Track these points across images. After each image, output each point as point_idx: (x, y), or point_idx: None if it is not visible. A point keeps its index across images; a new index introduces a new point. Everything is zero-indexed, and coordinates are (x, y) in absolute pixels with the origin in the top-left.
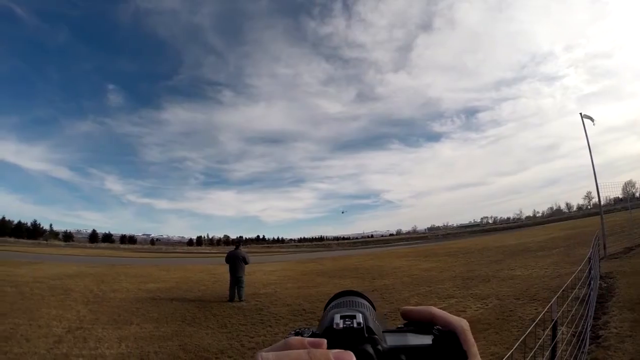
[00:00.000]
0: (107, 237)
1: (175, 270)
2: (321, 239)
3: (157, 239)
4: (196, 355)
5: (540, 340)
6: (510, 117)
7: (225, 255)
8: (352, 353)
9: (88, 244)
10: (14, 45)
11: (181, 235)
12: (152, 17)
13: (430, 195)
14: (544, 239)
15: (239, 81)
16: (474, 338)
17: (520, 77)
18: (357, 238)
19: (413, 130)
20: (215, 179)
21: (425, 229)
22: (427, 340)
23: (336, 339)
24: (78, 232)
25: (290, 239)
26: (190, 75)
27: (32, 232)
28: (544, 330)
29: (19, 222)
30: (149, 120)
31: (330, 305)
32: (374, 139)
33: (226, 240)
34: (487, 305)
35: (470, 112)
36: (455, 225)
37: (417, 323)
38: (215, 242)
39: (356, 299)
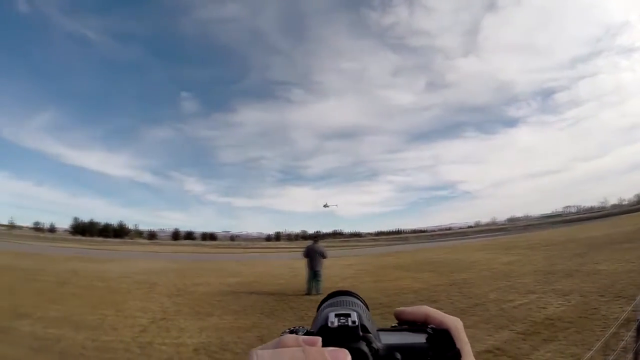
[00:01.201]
0: (189, 235)
1: (254, 265)
2: (398, 232)
3: (236, 236)
4: None
5: (623, 342)
6: (588, 96)
7: (303, 249)
8: (347, 351)
9: (171, 242)
10: (92, 64)
11: (260, 231)
12: (215, 25)
13: (509, 184)
14: (631, 229)
15: (307, 79)
16: (558, 336)
17: (596, 52)
18: (434, 231)
19: (488, 116)
20: (291, 176)
21: (504, 220)
22: (421, 339)
23: (331, 337)
24: (161, 231)
25: (368, 233)
26: (259, 77)
27: (119, 232)
28: (628, 330)
29: (107, 224)
30: (223, 123)
31: (325, 304)
32: (448, 128)
33: (303, 235)
34: (569, 302)
35: (546, 94)
36: (536, 215)
37: (411, 323)
38: (293, 237)
39: (350, 298)
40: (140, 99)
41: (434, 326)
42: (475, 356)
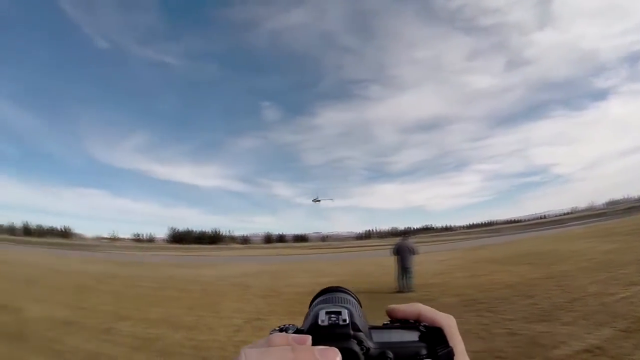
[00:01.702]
0: (281, 238)
1: (345, 264)
2: (490, 223)
3: (327, 236)
4: None
5: None
6: None
7: (392, 247)
8: (337, 350)
9: (264, 245)
10: (174, 86)
11: (350, 231)
12: (285, 34)
13: (605, 164)
14: None
15: (382, 74)
16: None
17: None
18: (528, 220)
19: (574, 91)
20: (378, 173)
21: (603, 204)
22: (413, 336)
23: (321, 335)
24: (254, 235)
25: (459, 226)
26: (334, 79)
27: (214, 238)
28: None
29: (202, 231)
30: (304, 127)
31: (316, 301)
32: (532, 108)
33: (394, 232)
34: None
35: (634, 59)
36: (637, 196)
37: (403, 320)
38: (383, 234)
39: (342, 295)
40: (223, 112)
41: (426, 324)
42: (573, 356)
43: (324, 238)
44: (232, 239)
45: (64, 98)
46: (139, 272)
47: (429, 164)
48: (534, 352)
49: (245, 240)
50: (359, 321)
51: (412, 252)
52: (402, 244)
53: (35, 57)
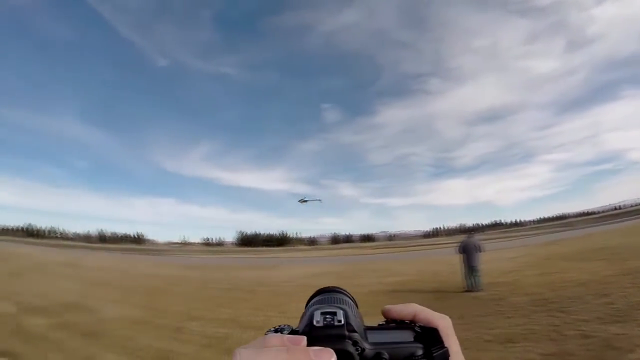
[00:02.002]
0: (348, 238)
1: (412, 263)
2: (561, 217)
3: (394, 235)
4: None
5: None
6: None
7: (457, 245)
8: (332, 351)
9: (330, 246)
10: (235, 96)
11: (417, 229)
12: (339, 35)
13: None
14: None
15: (440, 67)
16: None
17: None
18: (602, 212)
19: None
20: (443, 169)
21: None
22: (409, 337)
23: (316, 336)
24: (321, 236)
25: (528, 221)
26: (392, 75)
27: (281, 240)
28: None
29: (269, 234)
30: (366, 127)
31: (312, 302)
32: (600, 89)
33: (462, 229)
34: None
35: None
36: None
37: (399, 321)
38: (451, 232)
39: (338, 295)
40: (284, 118)
41: (422, 324)
42: None
43: (391, 237)
44: (299, 241)
45: (131, 114)
46: (209, 275)
47: (495, 157)
48: (608, 356)
49: (312, 242)
50: (354, 322)
51: (478, 249)
52: (468, 241)
53: (102, 79)
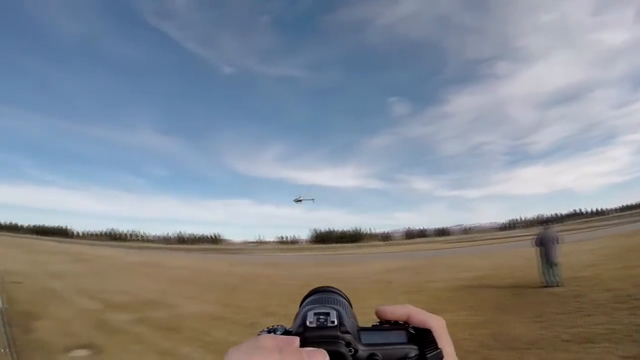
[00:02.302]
0: (422, 233)
1: (488, 257)
2: None
3: (469, 228)
4: (505, 345)
5: None
6: None
7: (534, 237)
8: (325, 352)
9: (405, 241)
10: (303, 97)
11: (493, 221)
12: (399, 26)
13: None
14: None
15: (507, 48)
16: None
17: None
18: None
19: None
20: (518, 157)
21: None
22: (402, 338)
23: (309, 337)
24: (395, 231)
25: (611, 209)
26: (458, 62)
27: (355, 237)
28: None
29: (343, 231)
30: (435, 117)
31: (305, 302)
32: None
33: (539, 220)
34: None
35: None
36: None
37: (393, 322)
38: (528, 223)
39: (332, 295)
40: (352, 114)
41: (416, 325)
42: None
43: (466, 230)
44: (373, 237)
45: (203, 123)
46: (283, 272)
47: (572, 140)
48: None
49: (386, 237)
50: (347, 322)
51: (557, 242)
52: (545, 233)
53: (173, 93)
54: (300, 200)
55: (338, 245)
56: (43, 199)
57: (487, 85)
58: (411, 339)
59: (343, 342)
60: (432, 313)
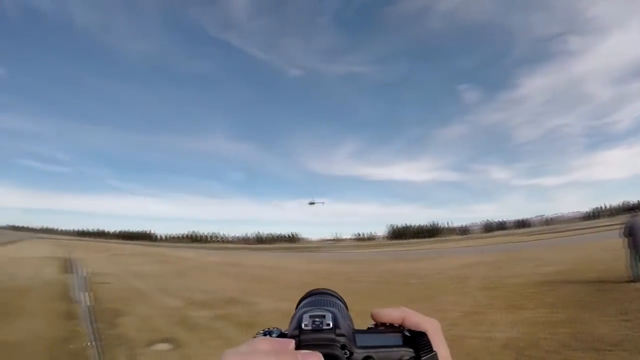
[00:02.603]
0: (501, 225)
1: (570, 249)
2: None
3: (550, 219)
4: (587, 346)
5: None
6: None
7: (621, 227)
8: (320, 354)
9: (483, 235)
10: (371, 92)
11: (576, 210)
12: (460, 10)
13: None
14: None
15: (577, 20)
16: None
17: None
18: None
19: None
20: (598, 138)
21: None
22: (397, 340)
23: (304, 339)
24: (473, 225)
25: None
26: (527, 41)
27: (432, 231)
28: None
29: (420, 225)
30: (508, 102)
31: (301, 304)
32: None
33: (626, 208)
34: None
35: None
36: None
37: (388, 324)
38: (614, 211)
39: (328, 298)
40: (422, 105)
41: (411, 328)
42: None
43: (547, 221)
44: (451, 231)
45: (274, 126)
46: (360, 269)
47: None
48: None
49: (464, 231)
50: (342, 325)
51: None
52: (635, 222)
53: (244, 99)
54: (313, 203)
55: (415, 240)
56: (125, 206)
57: (560, 63)
58: (406, 342)
59: (338, 344)
60: (513, 310)
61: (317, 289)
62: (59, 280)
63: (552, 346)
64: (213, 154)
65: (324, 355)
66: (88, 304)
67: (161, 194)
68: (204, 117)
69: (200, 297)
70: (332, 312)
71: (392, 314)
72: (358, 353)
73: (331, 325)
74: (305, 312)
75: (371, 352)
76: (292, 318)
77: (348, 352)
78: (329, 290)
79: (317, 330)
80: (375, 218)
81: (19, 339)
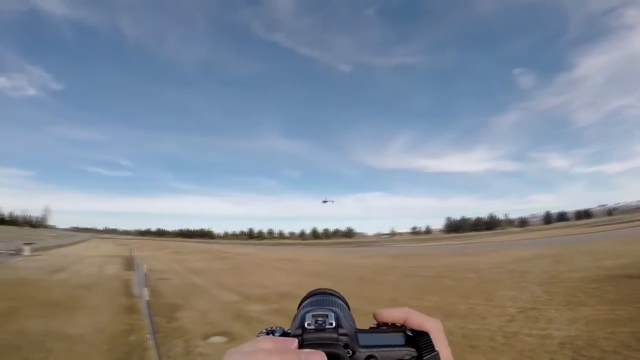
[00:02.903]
0: (561, 216)
1: (635, 242)
2: None
3: (614, 208)
4: None
5: None
6: None
7: None
8: (323, 353)
9: (543, 226)
10: (421, 83)
11: None
12: None
13: None
14: None
15: None
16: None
17: None
18: None
19: None
20: None
21: None
22: (399, 340)
23: (307, 338)
24: (532, 216)
25: None
26: (581, 18)
27: (490, 224)
28: None
29: (477, 218)
30: (566, 84)
31: (303, 304)
32: None
33: None
34: None
35: None
36: None
37: (390, 324)
38: None
39: (330, 297)
40: (476, 93)
41: (413, 328)
42: None
43: (610, 211)
44: (509, 223)
45: (328, 122)
46: (416, 263)
47: None
48: None
49: (523, 223)
50: (345, 324)
51: None
52: None
53: (296, 98)
54: (326, 201)
55: (472, 233)
56: (184, 206)
57: (618, 39)
58: (408, 341)
59: (341, 344)
60: (572, 307)
61: (319, 289)
62: (121, 277)
63: (611, 346)
64: (269, 152)
65: (327, 354)
66: (148, 299)
67: (219, 193)
68: (258, 117)
69: (255, 291)
70: (334, 312)
71: (394, 313)
72: (361, 352)
73: (334, 324)
74: (308, 312)
75: (374, 352)
76: (294, 318)
77: (351, 351)
78: (331, 290)
79: (320, 329)
80: (431, 211)
81: (83, 332)
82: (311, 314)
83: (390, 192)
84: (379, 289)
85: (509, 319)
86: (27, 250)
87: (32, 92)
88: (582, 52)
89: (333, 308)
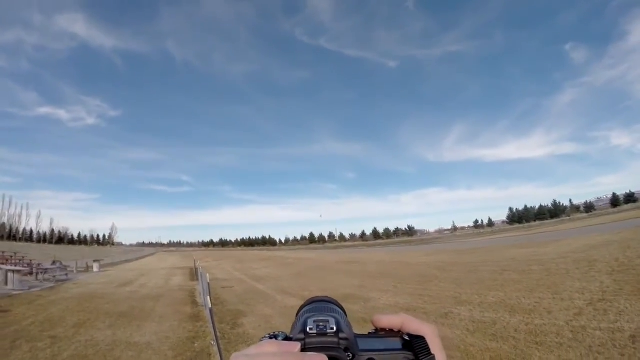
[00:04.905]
0: (629, 198)
1: None
2: None
3: None
4: None
5: None
6: None
7: None
8: (325, 357)
9: (610, 210)
10: (470, 69)
11: None
12: None
13: None
14: None
15: None
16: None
17: None
18: None
19: None
20: None
21: None
22: (397, 344)
23: (310, 343)
24: (598, 199)
25: None
26: None
27: (554, 211)
28: None
29: (540, 206)
30: (622, 53)
31: (303, 310)
32: None
33: None
34: None
35: None
36: None
37: (388, 329)
38: None
39: (328, 305)
40: (527, 75)
41: (410, 332)
42: None
43: None
44: (575, 209)
45: (379, 120)
46: (479, 258)
47: None
48: None
49: (589, 208)
50: (345, 329)
51: None
52: None
53: (345, 100)
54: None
55: (536, 223)
56: (245, 216)
57: None
58: (405, 346)
59: (342, 347)
60: (639, 296)
61: (318, 297)
62: (185, 287)
63: None
64: (324, 156)
65: (329, 358)
66: (211, 306)
67: (278, 201)
68: (311, 123)
69: (318, 295)
70: (334, 317)
71: (392, 319)
72: (360, 356)
73: (335, 329)
74: (309, 317)
75: (373, 355)
76: (295, 324)
77: (351, 355)
78: (328, 298)
79: (321, 334)
80: (493, 202)
81: (149, 340)
82: (312, 319)
83: (449, 187)
84: (442, 287)
85: (577, 312)
86: (96, 267)
87: (90, 121)
88: (635, 16)
89: (333, 314)
